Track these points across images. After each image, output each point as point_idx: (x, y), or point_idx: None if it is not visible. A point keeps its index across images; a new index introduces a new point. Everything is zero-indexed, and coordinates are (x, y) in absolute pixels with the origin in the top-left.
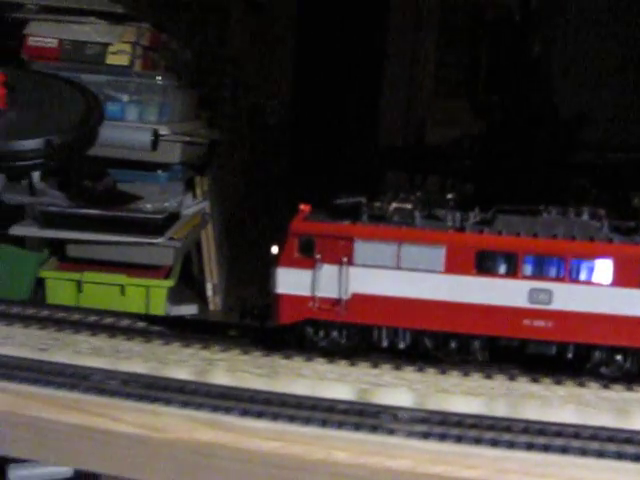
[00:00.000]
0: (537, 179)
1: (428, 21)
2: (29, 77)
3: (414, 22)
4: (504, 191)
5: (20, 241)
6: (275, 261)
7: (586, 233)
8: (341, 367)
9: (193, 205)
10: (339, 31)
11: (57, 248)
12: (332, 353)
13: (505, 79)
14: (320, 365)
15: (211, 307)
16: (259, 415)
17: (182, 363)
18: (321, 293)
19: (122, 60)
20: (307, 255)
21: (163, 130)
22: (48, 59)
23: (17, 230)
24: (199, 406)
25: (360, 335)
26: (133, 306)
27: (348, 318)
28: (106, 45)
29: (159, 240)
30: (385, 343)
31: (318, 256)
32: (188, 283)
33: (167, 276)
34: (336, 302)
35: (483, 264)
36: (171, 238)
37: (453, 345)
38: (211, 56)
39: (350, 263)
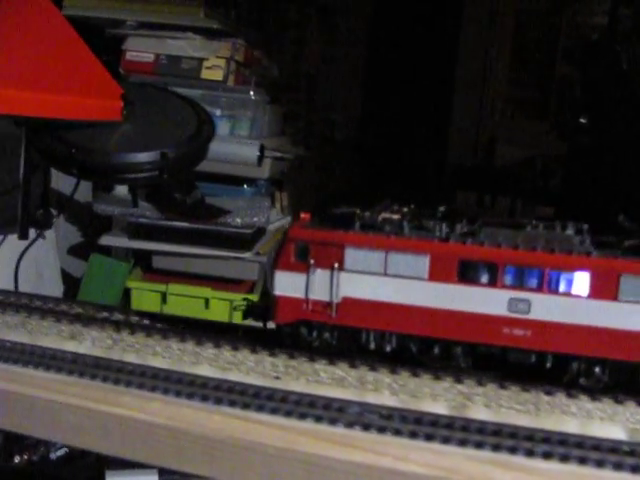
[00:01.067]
0: (618, 202)
1: (501, 40)
2: (143, 91)
3: (486, 41)
4: (583, 212)
5: (106, 250)
6: (273, 265)
7: (565, 246)
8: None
9: (277, 220)
10: (410, 50)
11: (142, 259)
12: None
13: (588, 100)
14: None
15: None
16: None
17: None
18: (314, 296)
19: (216, 75)
20: (302, 260)
21: (254, 145)
22: (144, 73)
23: (106, 240)
24: (495, 447)
25: (350, 337)
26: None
27: (338, 320)
28: (201, 60)
29: (247, 255)
30: (372, 346)
31: (312, 261)
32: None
33: (250, 290)
34: (328, 305)
35: (465, 273)
36: (257, 253)
37: (436, 350)
38: (288, 72)
39: (341, 268)
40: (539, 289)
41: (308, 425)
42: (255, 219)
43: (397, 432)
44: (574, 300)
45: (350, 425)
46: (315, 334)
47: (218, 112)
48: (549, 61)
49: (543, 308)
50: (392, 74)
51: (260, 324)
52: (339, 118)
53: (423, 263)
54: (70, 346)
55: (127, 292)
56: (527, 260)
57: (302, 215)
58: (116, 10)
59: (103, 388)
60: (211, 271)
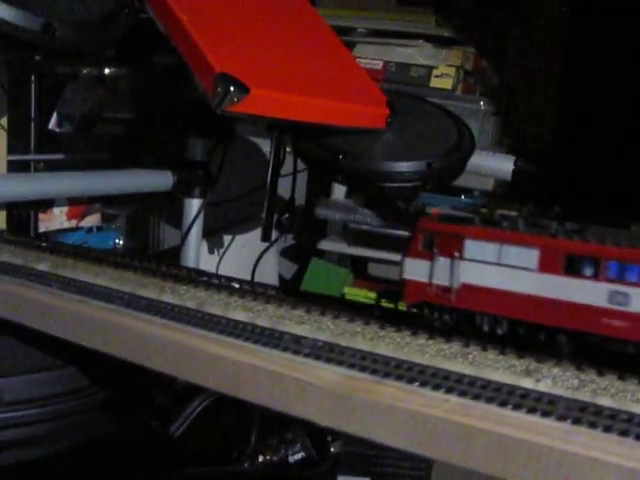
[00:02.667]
0: None
1: None
2: (400, 99)
3: None
4: None
5: (319, 255)
6: (404, 252)
7: None
8: None
9: None
10: (610, 63)
11: (356, 265)
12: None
13: None
14: None
15: None
16: None
17: None
18: (437, 281)
19: (446, 84)
20: (428, 249)
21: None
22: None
23: (324, 245)
24: None
25: (466, 319)
26: None
27: (457, 304)
28: (431, 68)
29: None
30: (486, 328)
31: (436, 250)
32: None
33: None
34: (448, 289)
35: (571, 266)
36: None
37: (542, 336)
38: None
39: (461, 257)
40: (638, 284)
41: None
42: None
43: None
44: None
45: None
46: (436, 315)
47: None
48: None
49: None
50: (590, 87)
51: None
52: (535, 130)
53: (533, 255)
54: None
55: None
56: (628, 256)
57: (433, 210)
58: (347, 18)
59: None
60: None
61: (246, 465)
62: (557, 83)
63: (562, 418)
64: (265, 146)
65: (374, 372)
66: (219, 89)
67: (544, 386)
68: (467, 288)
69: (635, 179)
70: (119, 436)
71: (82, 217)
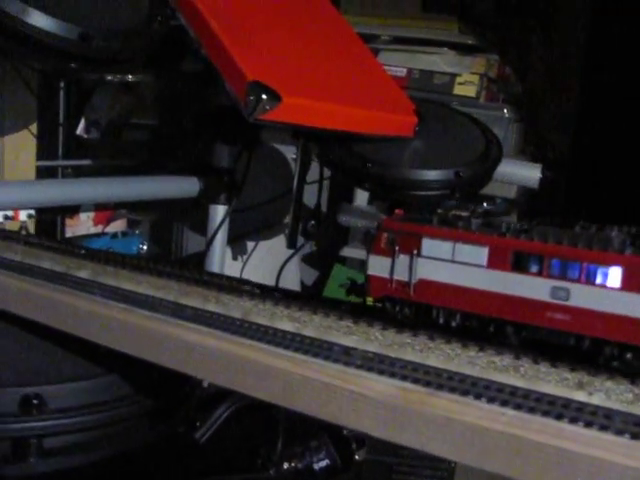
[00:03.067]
0: None
1: None
2: (427, 107)
3: None
4: None
5: (341, 261)
6: (368, 250)
7: (602, 244)
8: None
9: None
10: (630, 74)
11: None
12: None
13: None
14: None
15: None
16: None
17: None
18: (397, 276)
19: (469, 91)
20: (390, 247)
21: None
22: None
23: (346, 252)
24: None
25: (424, 312)
26: None
27: (415, 298)
28: (454, 75)
29: None
30: (441, 320)
31: (397, 248)
32: None
33: None
34: (407, 284)
35: (517, 263)
36: None
37: (492, 328)
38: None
39: (419, 255)
40: (578, 280)
41: None
42: None
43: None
44: (607, 291)
45: None
46: (397, 308)
47: None
48: None
49: (581, 296)
50: (608, 96)
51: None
52: (553, 137)
53: (483, 253)
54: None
55: None
56: (568, 254)
57: (396, 211)
58: (372, 26)
59: None
60: None
61: (271, 472)
62: (577, 89)
63: (620, 432)
64: (289, 153)
65: (427, 384)
66: (251, 97)
67: (598, 399)
68: (424, 283)
69: None
70: (145, 443)
71: (108, 222)
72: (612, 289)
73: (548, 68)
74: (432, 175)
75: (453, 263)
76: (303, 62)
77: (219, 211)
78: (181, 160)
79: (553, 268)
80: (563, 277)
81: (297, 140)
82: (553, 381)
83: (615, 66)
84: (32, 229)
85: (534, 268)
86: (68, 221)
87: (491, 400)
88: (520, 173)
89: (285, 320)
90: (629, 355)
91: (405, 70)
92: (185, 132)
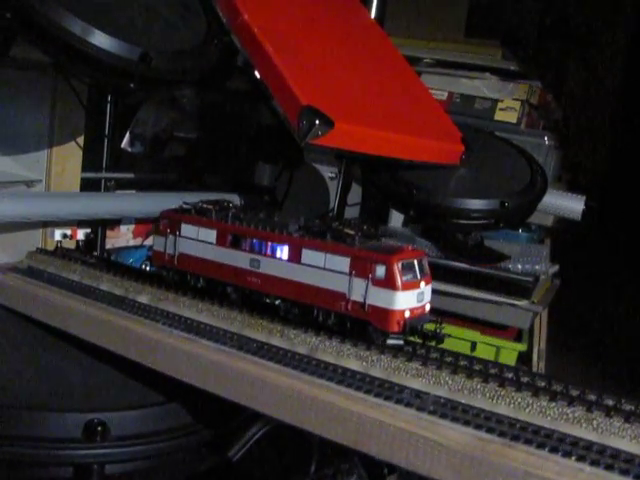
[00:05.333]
0: None
1: None
2: (479, 136)
3: None
4: None
5: None
6: (153, 231)
7: (279, 229)
8: None
9: (550, 269)
10: None
11: None
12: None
13: None
14: None
15: (534, 370)
16: None
17: None
18: (168, 251)
19: (510, 117)
20: (165, 229)
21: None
22: None
23: None
24: None
25: (183, 277)
26: None
27: (178, 266)
28: (496, 101)
29: (524, 303)
30: (192, 283)
31: (168, 230)
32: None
33: (517, 338)
34: (173, 257)
35: (233, 241)
36: (532, 302)
37: (219, 288)
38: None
39: (179, 235)
40: (264, 254)
41: None
42: (537, 267)
43: None
44: (282, 262)
45: None
46: (170, 274)
47: None
48: None
49: (266, 266)
50: None
51: None
52: (586, 162)
53: (213, 234)
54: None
55: None
56: (257, 235)
57: (182, 204)
58: (415, 48)
59: None
60: (480, 314)
61: None
62: (614, 116)
63: None
64: (325, 172)
65: (502, 434)
66: (304, 122)
67: None
68: (183, 256)
69: None
70: (203, 472)
71: (147, 235)
72: (283, 261)
73: (586, 94)
74: (477, 204)
75: (197, 241)
76: (355, 88)
77: None
78: (223, 176)
79: (252, 246)
80: (257, 252)
81: (339, 162)
82: (627, 437)
83: None
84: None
85: (242, 245)
86: (109, 232)
87: (567, 454)
88: (564, 204)
89: (352, 359)
90: (296, 309)
91: (446, 94)
92: (229, 149)
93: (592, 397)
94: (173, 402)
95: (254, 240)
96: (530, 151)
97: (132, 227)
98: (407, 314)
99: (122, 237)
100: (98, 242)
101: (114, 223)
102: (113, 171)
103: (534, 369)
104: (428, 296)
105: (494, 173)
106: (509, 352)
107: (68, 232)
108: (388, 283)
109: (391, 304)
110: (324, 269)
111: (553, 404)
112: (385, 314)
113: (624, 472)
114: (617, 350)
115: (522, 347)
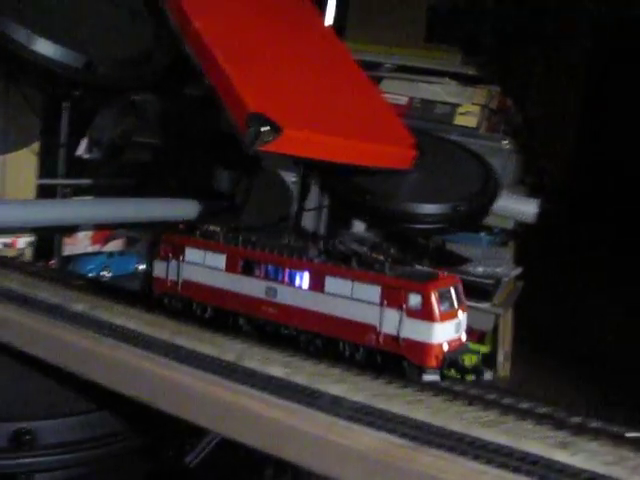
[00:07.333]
0: None
1: None
2: (426, 139)
3: None
4: None
5: None
6: (153, 256)
7: (298, 254)
8: None
9: (512, 271)
10: (628, 104)
11: None
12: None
13: None
14: None
15: (501, 373)
16: None
17: None
18: (170, 277)
19: (470, 121)
20: (166, 254)
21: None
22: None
23: None
24: None
25: (188, 305)
26: None
27: (182, 294)
28: (456, 106)
29: (486, 306)
30: (198, 313)
31: (170, 255)
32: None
33: (480, 340)
34: (176, 283)
35: (245, 267)
36: (494, 304)
37: (230, 319)
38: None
39: (183, 261)
40: (282, 281)
41: None
42: (498, 270)
43: None
44: (302, 291)
45: None
46: (172, 302)
47: None
48: None
49: (284, 295)
50: (607, 125)
51: None
52: (551, 166)
53: (222, 259)
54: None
55: None
56: (273, 261)
57: (180, 225)
58: (376, 54)
59: None
60: None
61: None
62: (577, 119)
63: None
64: (290, 178)
65: (415, 439)
66: (251, 128)
67: (579, 460)
68: (187, 283)
69: None
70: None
71: (106, 242)
72: (304, 289)
73: (548, 98)
74: (429, 209)
75: (204, 267)
76: (305, 94)
77: None
78: (181, 182)
79: (267, 272)
80: (273, 279)
81: (297, 167)
82: (537, 439)
83: (614, 95)
84: (30, 255)
85: (256, 272)
86: (66, 239)
87: (475, 458)
88: (517, 208)
89: (277, 365)
90: (318, 341)
91: (406, 99)
92: (187, 155)
93: (508, 401)
94: (102, 410)
95: (270, 266)
96: (490, 155)
97: (90, 233)
98: (445, 347)
99: (80, 244)
100: (55, 249)
101: (71, 230)
102: (70, 177)
103: (499, 371)
104: (464, 325)
105: (448, 177)
106: (471, 354)
107: (8, 241)
108: (425, 314)
109: (428, 337)
110: (351, 299)
111: (470, 408)
112: (422, 348)
113: (529, 473)
114: (585, 352)
115: (485, 349)
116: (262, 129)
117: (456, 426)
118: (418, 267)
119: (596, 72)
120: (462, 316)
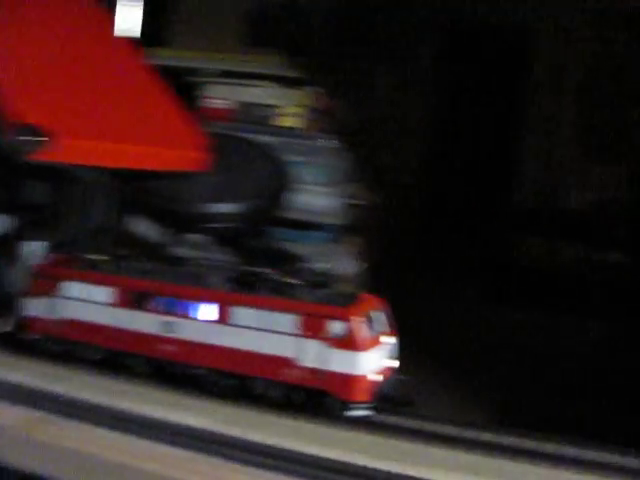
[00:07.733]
0: None
1: (569, 83)
2: (222, 140)
3: (553, 84)
4: None
5: None
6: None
7: (197, 282)
8: None
9: (350, 268)
10: (474, 95)
11: None
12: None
13: None
14: None
15: None
16: None
17: None
18: (46, 316)
19: (294, 123)
20: (39, 289)
21: (330, 192)
22: (222, 120)
23: None
24: None
25: (71, 348)
26: None
27: (62, 335)
28: (278, 107)
29: None
30: (84, 355)
31: (45, 290)
32: None
33: None
34: (54, 323)
35: (136, 300)
36: None
37: (121, 360)
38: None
39: (63, 296)
40: (180, 314)
41: None
42: (329, 266)
43: None
44: (205, 324)
45: None
46: (49, 345)
47: (295, 160)
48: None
49: (184, 329)
50: (456, 118)
51: None
52: (401, 162)
53: (107, 292)
54: None
55: None
56: (169, 292)
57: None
58: (198, 60)
59: None
60: None
61: None
62: (422, 118)
63: None
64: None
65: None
66: (16, 138)
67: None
68: (67, 321)
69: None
70: None
71: None
72: (207, 322)
73: (389, 96)
74: (216, 209)
75: (86, 302)
76: (84, 102)
77: (35, 248)
78: None
79: (162, 305)
80: (170, 313)
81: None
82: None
83: (463, 95)
84: None
85: (149, 305)
86: None
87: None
88: (321, 203)
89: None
90: (225, 381)
91: (230, 103)
92: None
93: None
94: None
95: (165, 298)
96: (316, 154)
97: None
98: (373, 378)
99: None
100: None
101: None
102: None
103: None
104: (394, 351)
105: (241, 177)
106: None
107: None
108: (348, 343)
109: (354, 368)
110: (263, 330)
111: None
112: (347, 381)
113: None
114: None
115: None
116: (26, 138)
117: None
118: (337, 288)
119: (440, 72)
120: (391, 341)
